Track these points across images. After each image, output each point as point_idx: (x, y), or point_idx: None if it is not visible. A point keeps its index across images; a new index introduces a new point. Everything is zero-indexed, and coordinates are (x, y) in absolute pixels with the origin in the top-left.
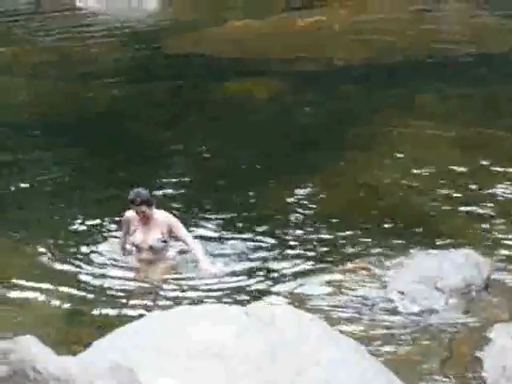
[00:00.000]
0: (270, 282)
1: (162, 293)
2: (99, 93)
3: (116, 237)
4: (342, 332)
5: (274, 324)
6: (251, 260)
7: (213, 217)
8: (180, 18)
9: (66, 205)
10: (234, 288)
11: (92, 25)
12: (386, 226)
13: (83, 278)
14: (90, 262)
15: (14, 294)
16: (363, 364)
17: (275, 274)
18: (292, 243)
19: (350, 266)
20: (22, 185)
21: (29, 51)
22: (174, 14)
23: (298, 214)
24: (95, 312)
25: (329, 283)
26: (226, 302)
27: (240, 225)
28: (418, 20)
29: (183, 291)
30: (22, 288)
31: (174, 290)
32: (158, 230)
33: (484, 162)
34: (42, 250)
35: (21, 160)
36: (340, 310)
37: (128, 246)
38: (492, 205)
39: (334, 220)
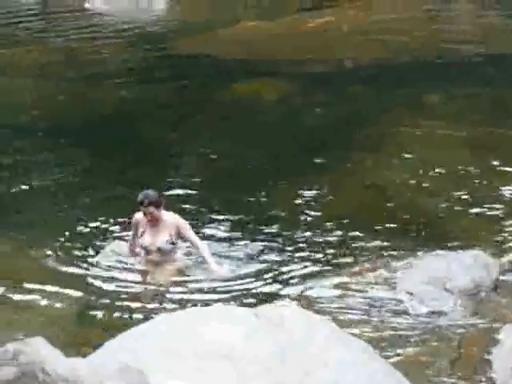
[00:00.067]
0: (278, 284)
1: (170, 295)
2: (107, 93)
3: (122, 238)
4: (350, 333)
5: (283, 325)
6: (259, 261)
7: (221, 218)
8: (188, 19)
9: (74, 206)
10: (243, 289)
11: (100, 25)
12: (395, 227)
13: (92, 279)
14: (98, 264)
15: (23, 296)
16: (372, 365)
17: (284, 276)
18: (300, 245)
19: (358, 267)
20: (30, 186)
21: (36, 52)
22: (183, 15)
23: (306, 216)
24: (104, 314)
25: (337, 284)
26: (234, 303)
27: (248, 226)
28: (428, 20)
29: (192, 293)
30: (31, 290)
31: (183, 291)
32: (167, 231)
33: (493, 163)
34: (50, 252)
35: (28, 161)
36: (349, 311)
37: (137, 249)
38: (501, 205)
39: (342, 221)
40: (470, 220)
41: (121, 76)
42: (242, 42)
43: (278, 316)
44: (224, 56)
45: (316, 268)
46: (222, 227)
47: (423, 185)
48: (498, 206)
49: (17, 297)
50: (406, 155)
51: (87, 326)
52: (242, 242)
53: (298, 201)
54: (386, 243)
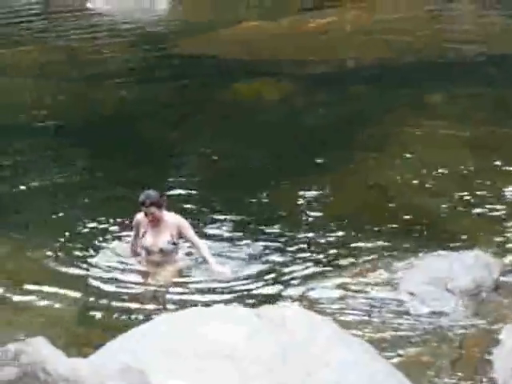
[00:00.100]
0: (280, 284)
1: (171, 295)
2: (108, 93)
3: (123, 238)
4: (352, 333)
5: (285, 326)
6: (261, 262)
7: (223, 218)
8: (190, 19)
9: (74, 206)
10: (245, 290)
11: (101, 25)
12: (397, 227)
13: (93, 280)
14: (99, 264)
15: (24, 297)
16: (374, 366)
17: (285, 276)
18: (302, 245)
19: (360, 267)
20: (30, 186)
21: (37, 51)
22: (185, 15)
23: (308, 216)
24: (105, 314)
25: (339, 285)
26: (236, 304)
27: (250, 226)
28: (430, 20)
29: (193, 293)
30: (32, 290)
31: (184, 292)
32: (168, 232)
33: (496, 163)
34: (51, 252)
35: (28, 161)
36: (350, 311)
37: (138, 249)
38: (502, 206)
39: (344, 221)
40: (471, 220)
41: (122, 76)
42: (243, 42)
43: (280, 316)
44: (225, 56)
45: (318, 268)
46: (223, 227)
47: (425, 185)
48: (499, 206)
49: (18, 297)
50: (409, 155)
51: (88, 327)
52: (244, 243)
53: (300, 201)
54: (387, 243)
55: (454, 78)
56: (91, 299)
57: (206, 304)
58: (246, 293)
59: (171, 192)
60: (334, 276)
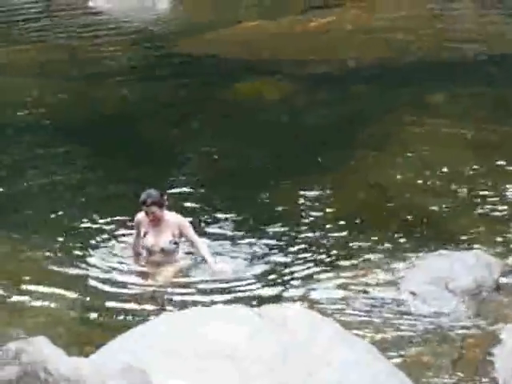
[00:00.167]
0: (281, 284)
1: (173, 295)
2: (109, 92)
3: (122, 237)
4: (353, 333)
5: (287, 325)
6: (262, 261)
7: (223, 217)
8: (191, 19)
9: (75, 206)
10: (246, 290)
11: (103, 24)
12: (398, 226)
13: (94, 279)
14: (100, 264)
15: (25, 296)
16: (375, 365)
17: (287, 276)
18: (303, 244)
19: (361, 267)
20: (31, 186)
21: (38, 50)
22: (186, 15)
23: (309, 215)
24: (107, 314)
25: (340, 285)
26: (238, 303)
27: (251, 226)
28: (432, 20)
29: (194, 293)
30: (33, 290)
31: (186, 291)
32: (169, 231)
33: (497, 163)
34: (52, 252)
35: (29, 160)
36: (351, 311)
37: (139, 249)
38: (504, 205)
39: (345, 221)
40: (472, 220)
41: (123, 75)
42: (244, 41)
43: (282, 316)
44: (226, 55)
45: (319, 268)
46: (224, 227)
47: (426, 184)
48: (500, 205)
49: (18, 297)
50: (410, 155)
51: (89, 326)
52: (245, 242)
53: (301, 200)
54: (388, 243)
55: (455, 78)
56: (92, 299)
57: (207, 304)
58: (247, 292)
59: (172, 191)
60: (334, 276)
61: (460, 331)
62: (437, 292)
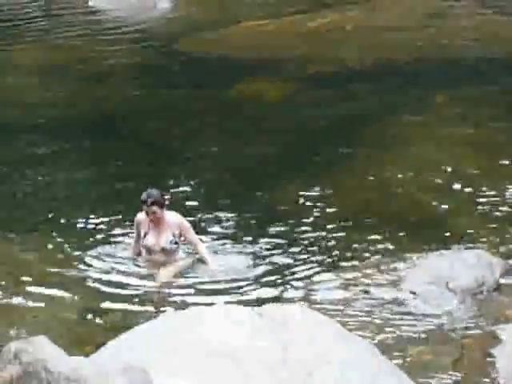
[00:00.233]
0: (282, 283)
1: (173, 294)
2: (109, 92)
3: (124, 235)
4: (354, 333)
5: (287, 325)
6: (263, 261)
7: (224, 217)
8: (193, 18)
9: (76, 206)
10: (246, 289)
11: (104, 24)
12: (399, 226)
13: (94, 279)
14: (101, 264)
15: (26, 296)
16: (376, 365)
17: (287, 275)
18: (304, 244)
19: (362, 266)
20: (32, 186)
21: (39, 50)
22: (187, 15)
23: (310, 215)
24: (107, 313)
25: (341, 284)
26: (238, 303)
27: (251, 226)
28: (432, 19)
29: (195, 292)
30: (34, 290)
31: (186, 291)
32: (170, 231)
33: (498, 162)
34: (53, 252)
35: (29, 160)
36: (352, 310)
37: (139, 249)
38: (505, 205)
39: (346, 220)
40: (473, 219)
41: (123, 74)
42: (245, 41)
43: (282, 315)
44: (227, 55)
45: (319, 268)
46: (225, 227)
47: (427, 184)
48: (501, 205)
49: (19, 297)
50: (411, 154)
51: (90, 326)
52: (245, 242)
53: (302, 200)
54: (389, 243)
55: (456, 77)
56: (92, 299)
57: (208, 303)
58: (247, 292)
59: (173, 191)
60: (335, 275)
61: (461, 331)
62: (437, 292)
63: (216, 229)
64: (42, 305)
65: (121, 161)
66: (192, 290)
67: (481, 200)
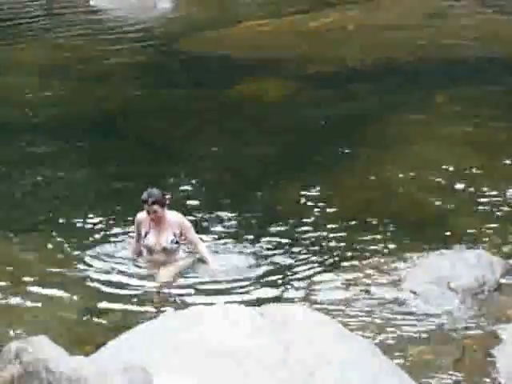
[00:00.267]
0: (283, 283)
1: (174, 294)
2: (110, 91)
3: (125, 233)
4: (354, 332)
5: (287, 324)
6: (263, 261)
7: (225, 217)
8: (193, 18)
9: (76, 206)
10: (247, 289)
11: (104, 23)
12: (399, 225)
13: (95, 279)
14: (102, 264)
15: (26, 295)
16: (376, 365)
17: (288, 275)
18: (305, 243)
19: (362, 265)
20: (32, 185)
21: (40, 49)
22: (188, 14)
23: (310, 214)
24: (107, 313)
25: (341, 284)
26: (239, 303)
27: (252, 225)
28: (433, 19)
29: (195, 292)
30: (35, 289)
31: (187, 290)
32: (171, 230)
33: (499, 162)
34: (53, 252)
35: (30, 160)
36: (353, 310)
37: (140, 249)
38: (506, 205)
39: (346, 219)
40: (474, 219)
41: (124, 74)
42: (246, 41)
43: (283, 315)
44: (228, 55)
45: (320, 267)
46: (226, 226)
47: (428, 183)
48: (502, 205)
49: (19, 296)
50: (411, 154)
51: (90, 325)
52: (246, 242)
53: (303, 199)
54: (390, 242)
55: (457, 77)
56: (93, 299)
57: (208, 303)
58: (248, 292)
59: (174, 190)
60: (336, 275)
61: (461, 331)
62: (438, 291)
63: (216, 228)
64: (43, 305)
65: (121, 160)
66: (192, 290)
67: (481, 199)
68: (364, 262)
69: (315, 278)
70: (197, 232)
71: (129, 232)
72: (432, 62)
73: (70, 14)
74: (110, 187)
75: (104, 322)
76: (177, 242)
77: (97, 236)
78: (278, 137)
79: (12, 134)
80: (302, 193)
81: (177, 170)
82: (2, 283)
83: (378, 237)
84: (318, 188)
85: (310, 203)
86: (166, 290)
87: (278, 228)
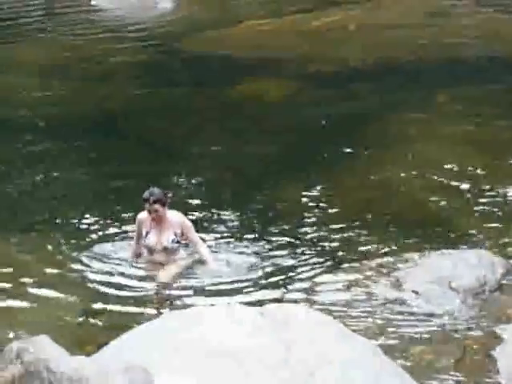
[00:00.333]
0: (284, 282)
1: (174, 294)
2: (111, 91)
3: (126, 232)
4: (356, 332)
5: (289, 324)
6: (264, 261)
7: (226, 217)
8: (194, 18)
9: (76, 206)
10: (248, 289)
11: (106, 23)
12: (401, 225)
13: (96, 279)
14: (102, 264)
15: (27, 295)
16: (377, 365)
17: (289, 275)
18: (306, 243)
19: (363, 265)
20: (32, 185)
21: (41, 48)
22: (189, 14)
23: (311, 214)
24: (108, 313)
25: (342, 283)
26: (240, 303)
27: (253, 225)
28: (434, 19)
29: (196, 292)
30: (35, 289)
31: (187, 290)
32: (172, 230)
33: (500, 162)
34: (54, 251)
35: (30, 159)
36: (354, 310)
37: (140, 250)
38: (507, 204)
39: (347, 219)
40: (475, 219)
41: (125, 73)
42: (247, 40)
43: (284, 315)
44: (229, 54)
45: (321, 266)
46: (226, 226)
47: (429, 183)
48: (503, 204)
49: (21, 296)
50: (412, 154)
51: (91, 326)
52: (247, 242)
53: (304, 199)
54: (391, 242)
55: (458, 76)
56: (94, 299)
57: (209, 304)
58: (248, 292)
59: (174, 190)
60: (337, 274)
61: (462, 331)
62: (439, 291)
63: (217, 228)
64: (43, 305)
65: (122, 160)
66: (193, 291)
67: (483, 199)
68: (365, 262)
69: (316, 278)
70: (197, 231)
71: (130, 231)
72: (433, 61)
73: (70, 14)
74: (110, 187)
75: (105, 322)
76: (178, 242)
77: (98, 236)
78: (278, 136)
79: (11, 134)
80: (303, 192)
81: (178, 169)
82: (3, 284)
83: (379, 236)
84: (319, 187)
85: (310, 203)
86: (166, 291)
87: (279, 228)
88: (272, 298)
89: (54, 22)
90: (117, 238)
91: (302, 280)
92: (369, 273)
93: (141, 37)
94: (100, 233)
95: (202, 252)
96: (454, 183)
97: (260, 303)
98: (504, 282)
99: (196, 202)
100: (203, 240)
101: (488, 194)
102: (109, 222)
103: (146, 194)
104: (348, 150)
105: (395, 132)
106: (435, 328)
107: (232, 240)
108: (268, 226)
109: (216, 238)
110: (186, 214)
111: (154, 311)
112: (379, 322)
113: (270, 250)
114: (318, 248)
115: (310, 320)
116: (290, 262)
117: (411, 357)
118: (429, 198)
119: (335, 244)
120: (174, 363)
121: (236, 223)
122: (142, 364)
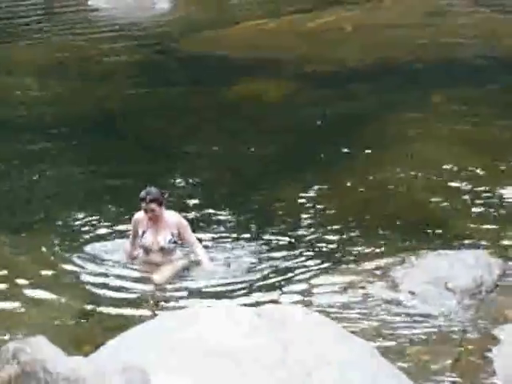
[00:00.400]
0: (281, 283)
1: (171, 294)
2: (108, 91)
3: (123, 232)
4: (353, 332)
5: (286, 325)
6: (262, 261)
7: (223, 217)
8: (191, 18)
9: (75, 205)
10: (245, 289)
11: (103, 23)
12: (397, 225)
13: (93, 279)
14: (99, 264)
15: (24, 296)
16: (375, 365)
17: (286, 275)
18: (303, 243)
19: (360, 266)
20: (32, 185)
21: (39, 48)
22: (186, 14)
23: (309, 214)
24: (105, 313)
25: (339, 284)
26: (237, 303)
27: (251, 225)
28: (433, 18)
29: (193, 292)
30: (33, 289)
31: (184, 291)
32: (168, 230)
33: (498, 162)
34: (52, 251)
35: (30, 159)
36: (351, 310)
37: (136, 252)
38: (504, 205)
39: (345, 220)
40: (472, 219)
41: (123, 73)
42: (244, 41)
43: (281, 316)
44: (226, 55)
45: (319, 266)
46: (224, 227)
47: (427, 184)
48: (500, 205)
49: (18, 296)
50: (410, 154)
51: (89, 326)
52: (244, 242)
53: (302, 200)
54: (388, 242)
55: (456, 77)
56: (91, 299)
57: (206, 304)
58: (246, 293)
59: (172, 190)
60: (334, 275)
61: (459, 331)
62: (436, 292)
63: (214, 228)
64: (40, 306)
65: (119, 159)
66: (189, 292)
67: (480, 200)
68: (361, 263)
69: (314, 279)
70: (194, 231)
71: (127, 231)
72: (431, 61)
73: (68, 14)
74: (107, 186)
75: (102, 322)
76: (175, 242)
77: (95, 236)
78: (276, 136)
79: (8, 134)
80: (301, 193)
81: (175, 169)
82: (0, 284)
83: (376, 237)
84: (317, 188)
85: (308, 203)
86: (162, 291)
87: (276, 228)
88: (268, 300)
89: (52, 22)
90: (114, 238)
91: (299, 281)
92: (365, 273)
93: (138, 37)
94: (97, 233)
95: (199, 253)
96: (450, 184)
97: (256, 305)
98: (501, 282)
99: (193, 201)
100: (200, 240)
101: (485, 194)
102: (106, 222)
103: (142, 194)
104: (346, 150)
105: (393, 132)
106: (432, 329)
107: (229, 240)
108: (265, 227)
109: (213, 239)
110: (183, 214)
111: (150, 312)
112: (376, 323)
113: (267, 250)
114: (316, 249)
115: (307, 321)
116: (288, 262)
117: (408, 358)
118: (425, 199)
119: (332, 245)
120: (170, 363)
121: (233, 223)
122: (139, 364)
